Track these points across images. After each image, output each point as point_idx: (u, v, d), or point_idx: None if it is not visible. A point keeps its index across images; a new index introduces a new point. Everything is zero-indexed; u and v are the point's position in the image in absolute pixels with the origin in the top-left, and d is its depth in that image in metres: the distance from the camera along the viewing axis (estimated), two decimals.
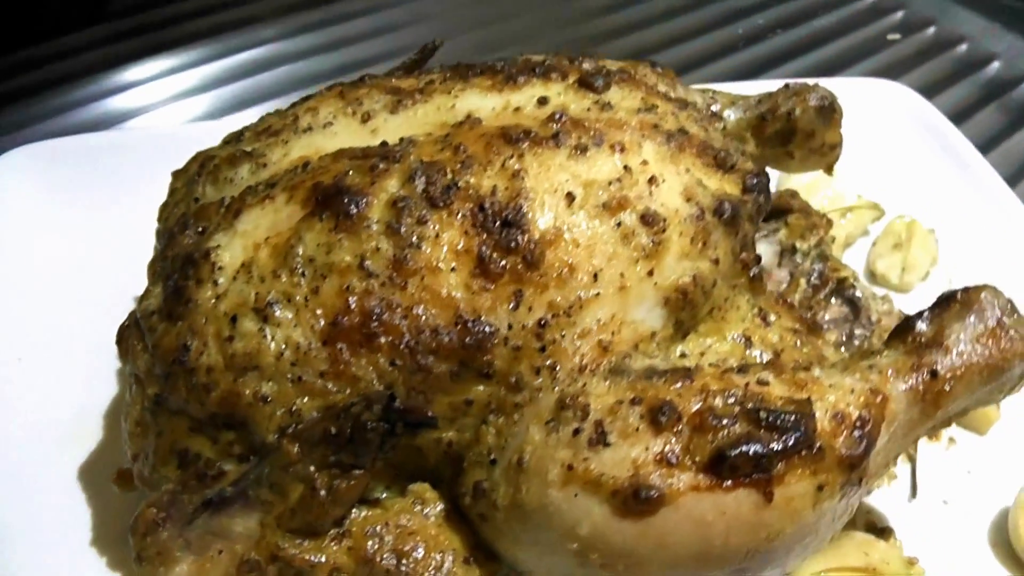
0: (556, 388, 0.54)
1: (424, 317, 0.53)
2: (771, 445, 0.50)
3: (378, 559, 0.54)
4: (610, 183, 0.57)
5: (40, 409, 0.72)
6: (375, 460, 0.53)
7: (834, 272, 0.80)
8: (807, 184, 0.96)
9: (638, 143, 0.59)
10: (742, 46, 1.32)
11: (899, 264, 0.91)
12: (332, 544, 0.54)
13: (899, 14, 1.46)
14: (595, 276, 0.55)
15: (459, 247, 0.55)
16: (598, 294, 0.55)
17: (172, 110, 1.19)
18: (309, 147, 0.62)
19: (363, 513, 0.55)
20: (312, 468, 0.53)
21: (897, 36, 1.41)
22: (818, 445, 0.51)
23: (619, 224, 0.56)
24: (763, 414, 0.50)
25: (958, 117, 1.16)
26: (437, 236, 0.55)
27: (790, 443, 0.50)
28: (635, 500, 0.49)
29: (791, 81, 0.82)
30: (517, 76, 0.64)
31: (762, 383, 0.53)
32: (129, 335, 0.59)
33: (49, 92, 1.19)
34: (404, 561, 0.54)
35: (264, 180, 0.61)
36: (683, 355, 0.59)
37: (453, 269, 0.54)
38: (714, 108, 0.80)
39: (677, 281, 0.57)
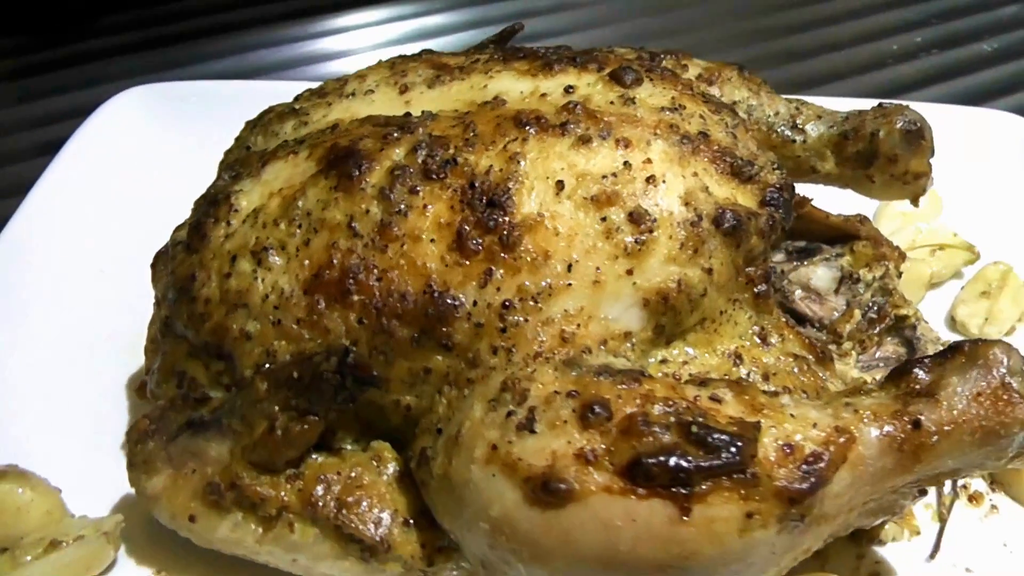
0: (508, 370, 0.54)
1: (396, 282, 0.56)
2: (696, 462, 0.48)
3: (321, 504, 0.57)
4: (604, 177, 0.56)
5: (109, 318, 0.80)
6: (328, 409, 0.56)
7: (896, 308, 0.74)
8: (902, 212, 0.90)
9: (647, 140, 0.58)
10: (891, 62, 1.23)
11: (983, 313, 0.83)
12: (286, 483, 0.58)
13: None
14: (569, 267, 0.55)
15: (442, 220, 0.56)
16: (569, 285, 0.55)
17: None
18: (346, 111, 0.66)
19: (320, 459, 0.59)
20: (276, 408, 0.57)
21: None
22: (752, 471, 0.48)
23: (604, 219, 0.56)
24: (696, 428, 0.48)
25: None
26: (424, 207, 0.57)
27: (716, 463, 0.48)
28: (544, 491, 0.49)
29: (885, 101, 0.77)
30: (554, 63, 0.64)
31: (715, 400, 0.51)
32: (160, 260, 0.66)
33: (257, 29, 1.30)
34: (344, 512, 0.57)
35: (299, 136, 0.65)
36: (664, 361, 0.58)
37: (432, 240, 0.56)
38: (798, 121, 0.76)
39: (659, 284, 0.56)
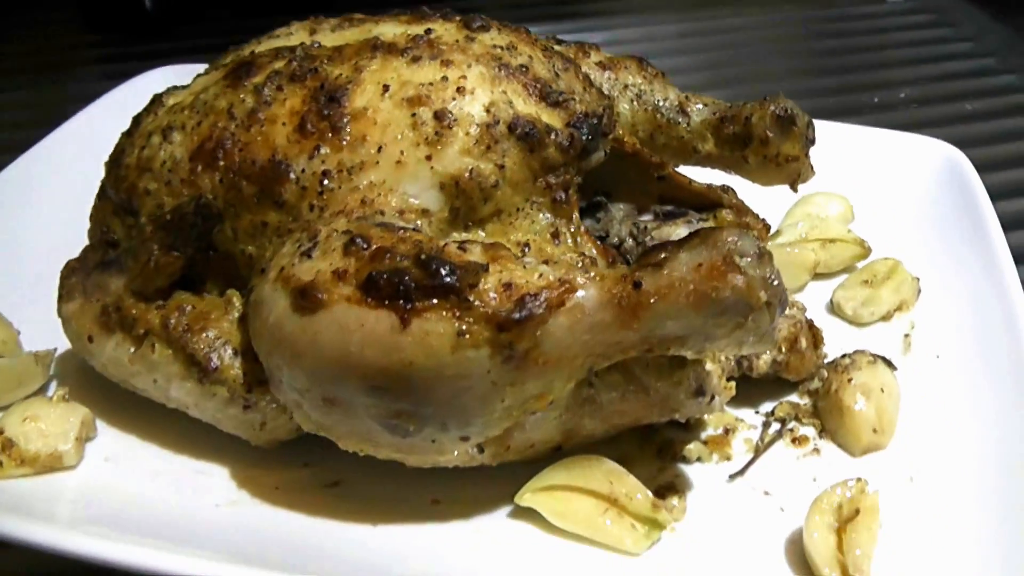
0: (320, 224, 0.66)
1: (251, 153, 0.70)
2: (417, 280, 0.58)
3: (173, 326, 0.70)
4: (422, 84, 0.69)
5: None
6: (187, 246, 0.70)
7: None
8: (803, 197, 0.96)
9: (468, 64, 0.70)
10: (867, 111, 1.28)
11: (861, 298, 0.87)
12: (155, 310, 0.71)
13: None
14: (379, 148, 0.68)
15: (295, 110, 0.70)
16: (377, 163, 0.67)
17: None
18: (266, 46, 0.82)
19: (183, 296, 0.72)
20: (155, 246, 0.71)
21: None
22: (466, 296, 0.58)
23: (414, 115, 0.68)
24: (425, 258, 0.59)
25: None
26: (284, 100, 0.71)
27: (435, 283, 0.58)
28: (303, 298, 0.60)
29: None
30: (429, 16, 0.78)
31: (462, 249, 0.61)
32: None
33: None
34: (190, 335, 0.70)
35: (225, 62, 0.82)
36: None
37: (284, 124, 0.70)
38: (685, 107, 0.86)
39: (454, 171, 0.67)
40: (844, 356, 0.78)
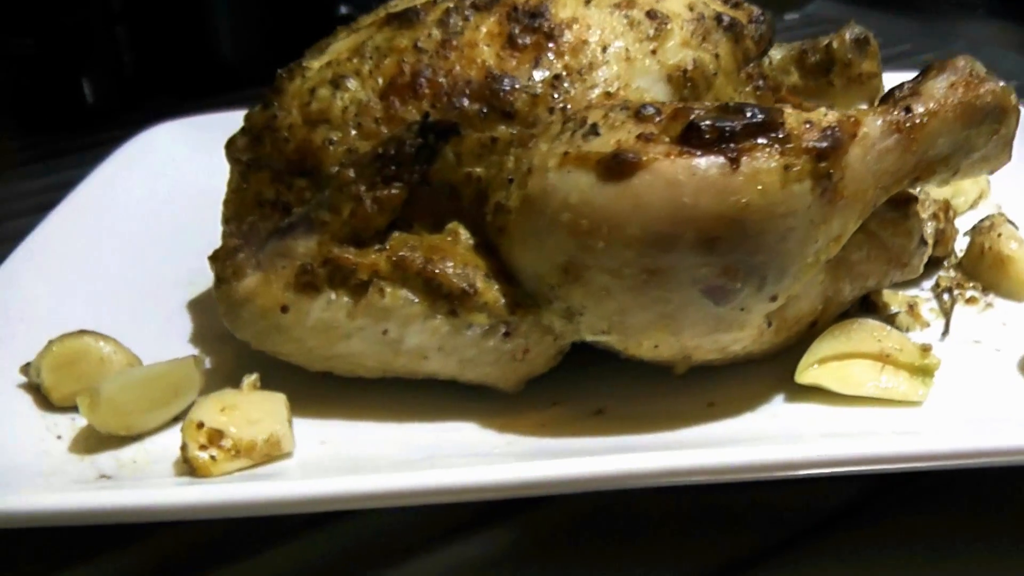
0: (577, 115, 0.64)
1: (459, 74, 0.67)
2: (739, 121, 0.58)
3: (408, 260, 0.63)
4: None
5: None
6: (412, 173, 0.64)
7: None
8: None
9: None
10: None
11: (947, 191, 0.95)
12: (372, 253, 0.64)
13: None
14: (604, 48, 0.67)
15: (493, 32, 0.68)
16: (607, 61, 0.67)
17: None
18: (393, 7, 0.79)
19: (401, 235, 0.66)
20: (363, 187, 0.65)
21: None
22: (785, 132, 0.58)
23: (627, 16, 0.69)
24: (732, 105, 0.59)
25: None
26: (477, 27, 0.69)
27: (756, 120, 0.58)
28: (614, 162, 0.57)
29: None
30: None
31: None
32: (232, 140, 0.75)
33: None
34: (430, 266, 0.63)
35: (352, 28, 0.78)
36: None
37: (488, 45, 0.68)
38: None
39: (679, 62, 0.68)
40: (982, 220, 0.85)
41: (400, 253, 0.64)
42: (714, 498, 0.63)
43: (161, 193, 1.01)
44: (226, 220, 0.73)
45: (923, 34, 1.62)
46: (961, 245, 0.86)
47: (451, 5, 0.71)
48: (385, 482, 0.54)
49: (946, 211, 0.85)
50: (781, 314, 0.65)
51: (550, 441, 0.64)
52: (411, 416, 0.67)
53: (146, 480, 0.61)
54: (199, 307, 0.84)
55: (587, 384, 0.69)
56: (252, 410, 0.63)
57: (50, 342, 0.70)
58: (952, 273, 0.85)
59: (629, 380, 0.69)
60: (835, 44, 0.89)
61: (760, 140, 0.58)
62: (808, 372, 0.67)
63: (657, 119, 0.59)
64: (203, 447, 0.60)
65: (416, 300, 0.63)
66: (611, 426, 0.65)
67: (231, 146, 0.74)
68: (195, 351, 0.77)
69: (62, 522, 0.55)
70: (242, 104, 0.85)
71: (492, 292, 0.63)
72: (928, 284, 0.84)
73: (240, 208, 0.71)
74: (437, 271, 0.63)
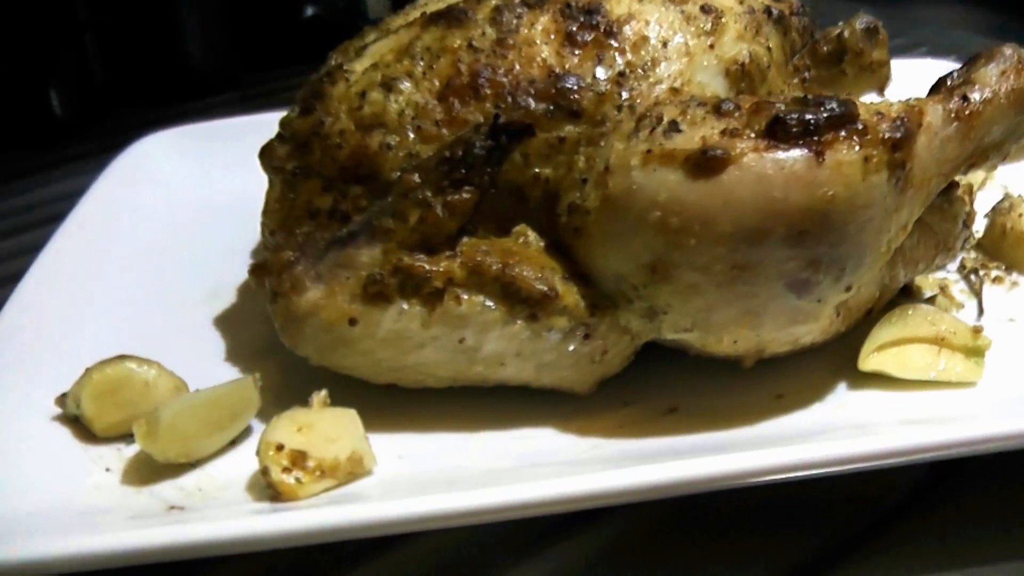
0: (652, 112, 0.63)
1: (521, 74, 0.65)
2: (821, 112, 0.58)
3: (485, 265, 0.62)
4: None
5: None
6: (483, 176, 0.63)
7: None
8: None
9: None
10: None
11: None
12: (443, 260, 0.63)
13: None
14: (664, 44, 0.67)
15: (549, 30, 0.67)
16: (668, 57, 0.67)
17: None
18: (427, 7, 0.77)
19: (472, 240, 0.64)
20: (429, 193, 0.63)
21: None
22: (862, 124, 0.59)
23: (682, 11, 0.69)
24: (810, 98, 0.59)
25: None
26: (531, 24, 0.68)
27: (836, 113, 0.58)
28: (703, 159, 0.57)
29: None
30: None
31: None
32: (270, 148, 0.72)
33: None
34: (508, 270, 0.62)
35: (388, 28, 0.76)
36: None
37: (546, 43, 0.67)
38: None
39: (735, 56, 0.68)
40: (1001, 201, 0.88)
41: (476, 259, 0.62)
42: (789, 490, 0.63)
43: (162, 206, 0.97)
44: (271, 231, 0.70)
45: (891, 18, 1.67)
46: (977, 226, 0.89)
47: (499, 3, 0.69)
48: (489, 497, 0.53)
49: (970, 194, 0.88)
50: (847, 303, 0.66)
51: (631, 443, 0.64)
52: (483, 424, 0.66)
53: (226, 508, 0.58)
54: (227, 322, 0.81)
55: (655, 382, 0.69)
56: (328, 428, 0.61)
57: (88, 370, 0.66)
58: (973, 254, 0.87)
59: (695, 376, 0.69)
60: (846, 33, 0.90)
61: (841, 132, 0.58)
62: (871, 359, 0.68)
63: (737, 114, 0.59)
64: (286, 470, 0.58)
65: (494, 306, 0.62)
66: (686, 424, 0.65)
67: (269, 155, 0.71)
68: (235, 369, 0.74)
69: (152, 559, 0.52)
70: (216, 111, 0.82)
71: (572, 295, 0.62)
72: (952, 266, 0.86)
73: (287, 219, 0.69)
74: (515, 275, 0.62)
